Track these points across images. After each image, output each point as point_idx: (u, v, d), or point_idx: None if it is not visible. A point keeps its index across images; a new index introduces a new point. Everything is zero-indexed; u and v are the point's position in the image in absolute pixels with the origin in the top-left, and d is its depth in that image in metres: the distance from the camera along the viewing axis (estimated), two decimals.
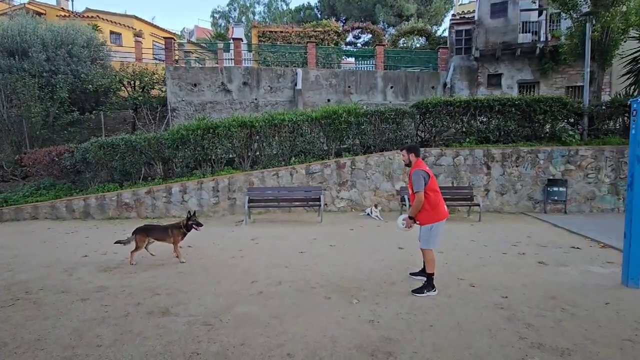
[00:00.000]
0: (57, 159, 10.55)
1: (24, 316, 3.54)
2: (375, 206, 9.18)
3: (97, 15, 21.35)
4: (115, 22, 22.02)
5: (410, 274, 4.62)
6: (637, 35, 11.13)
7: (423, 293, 3.96)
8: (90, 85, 14.01)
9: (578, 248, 6.02)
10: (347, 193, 9.92)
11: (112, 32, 21.59)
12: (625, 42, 10.88)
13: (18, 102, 12.58)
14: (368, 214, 9.09)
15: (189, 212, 5.48)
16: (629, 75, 11.52)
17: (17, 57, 13.35)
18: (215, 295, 4.02)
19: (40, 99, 12.80)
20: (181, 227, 5.33)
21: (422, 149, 10.05)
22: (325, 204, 9.40)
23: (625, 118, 10.19)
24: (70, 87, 13.65)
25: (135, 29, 22.34)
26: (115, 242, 5.59)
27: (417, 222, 4.17)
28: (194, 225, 5.33)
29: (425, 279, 4.24)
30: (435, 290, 4.00)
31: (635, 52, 11.24)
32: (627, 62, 11.46)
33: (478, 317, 3.43)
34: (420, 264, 4.61)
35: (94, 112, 14.43)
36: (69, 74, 13.73)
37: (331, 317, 3.43)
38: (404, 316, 3.45)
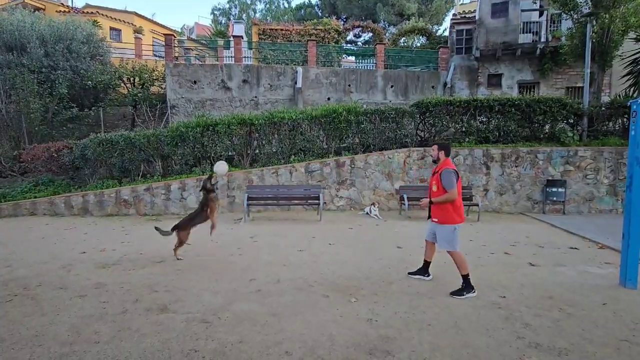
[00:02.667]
0: (55, 155, 10.52)
1: (22, 312, 3.54)
2: (374, 205, 9.19)
3: (97, 11, 21.24)
4: (115, 19, 21.91)
5: (409, 273, 4.61)
6: (637, 36, 11.14)
7: (462, 295, 3.89)
8: (90, 82, 13.96)
9: (576, 248, 6.03)
10: (347, 192, 9.92)
11: (112, 28, 21.49)
12: (623, 44, 10.87)
13: (17, 98, 12.53)
14: (367, 213, 9.09)
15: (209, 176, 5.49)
16: (629, 77, 11.53)
17: (15, 52, 13.29)
18: (214, 292, 4.02)
19: (39, 95, 12.75)
20: (208, 195, 5.31)
21: (421, 149, 10.07)
22: (325, 203, 9.40)
23: (625, 119, 10.20)
24: (69, 83, 13.59)
25: (135, 26, 22.24)
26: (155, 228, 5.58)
27: (435, 220, 4.17)
28: (208, 185, 5.34)
29: (421, 276, 4.38)
30: (474, 291, 3.93)
31: (635, 53, 11.24)
32: (627, 63, 11.47)
33: (476, 316, 3.43)
34: (418, 264, 4.61)
35: (93, 108, 14.37)
36: (68, 70, 13.67)
37: (329, 316, 3.43)
38: (402, 315, 3.45)
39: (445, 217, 4.07)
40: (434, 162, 4.36)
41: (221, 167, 5.33)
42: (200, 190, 5.39)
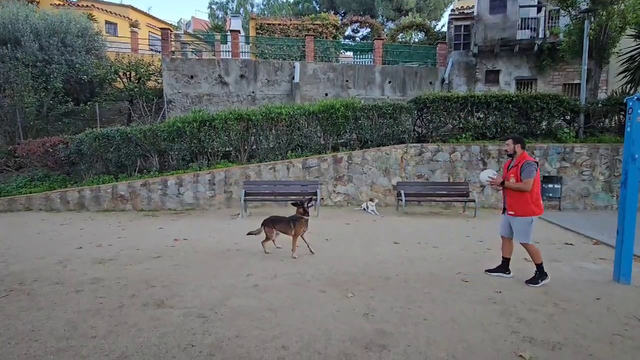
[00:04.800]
0: (51, 150, 10.44)
1: (18, 307, 3.53)
2: (372, 201, 9.20)
3: (93, 5, 20.99)
4: (110, 12, 21.70)
5: (487, 270, 4.55)
6: (634, 33, 11.16)
7: (538, 283, 4.08)
8: (85, 76, 13.82)
9: (571, 244, 6.08)
10: (344, 187, 9.93)
11: (107, 22, 21.28)
12: (620, 41, 10.89)
13: (11, 92, 12.39)
14: (364, 209, 9.11)
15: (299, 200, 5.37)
16: (625, 74, 11.57)
17: (9, 45, 13.11)
18: (211, 287, 4.03)
19: (34, 89, 12.61)
20: (302, 216, 5.19)
21: (419, 145, 10.08)
22: (322, 198, 9.40)
23: (621, 116, 10.25)
24: (64, 77, 13.44)
25: (131, 19, 22.02)
26: (248, 234, 5.59)
27: (511, 213, 4.20)
28: (306, 205, 5.24)
29: (502, 274, 4.43)
30: (548, 278, 4.13)
31: (632, 50, 11.27)
32: (624, 60, 11.50)
33: (471, 311, 3.46)
34: (416, 260, 4.64)
35: (88, 103, 14.25)
36: (63, 64, 13.51)
37: (326, 310, 3.44)
38: (398, 310, 3.47)
39: (523, 209, 4.13)
40: (509, 156, 4.36)
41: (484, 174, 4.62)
42: (292, 204, 5.28)
